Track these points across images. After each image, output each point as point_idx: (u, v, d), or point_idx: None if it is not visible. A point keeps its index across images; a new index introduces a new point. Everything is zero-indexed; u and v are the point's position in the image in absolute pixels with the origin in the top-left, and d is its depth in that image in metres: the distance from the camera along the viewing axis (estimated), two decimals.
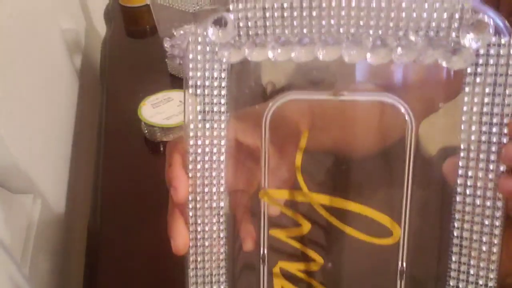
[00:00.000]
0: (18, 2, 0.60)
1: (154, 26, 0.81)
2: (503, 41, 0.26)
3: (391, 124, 0.31)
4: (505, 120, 0.26)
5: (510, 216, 0.28)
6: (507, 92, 0.26)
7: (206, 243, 0.32)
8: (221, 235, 0.32)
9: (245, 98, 0.33)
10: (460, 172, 0.27)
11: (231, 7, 0.30)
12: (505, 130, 0.26)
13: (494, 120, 0.26)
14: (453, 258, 0.28)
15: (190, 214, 0.32)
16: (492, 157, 0.26)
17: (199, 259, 0.32)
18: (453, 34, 0.26)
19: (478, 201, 0.27)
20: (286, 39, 0.28)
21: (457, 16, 0.26)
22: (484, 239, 0.27)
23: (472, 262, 0.27)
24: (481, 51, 0.26)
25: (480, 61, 0.26)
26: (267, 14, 0.28)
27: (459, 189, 0.27)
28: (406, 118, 0.29)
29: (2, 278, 0.42)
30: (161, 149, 0.67)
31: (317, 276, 0.32)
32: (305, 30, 0.28)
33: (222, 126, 0.31)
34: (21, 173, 0.51)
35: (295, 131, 0.33)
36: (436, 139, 0.31)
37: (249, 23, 0.29)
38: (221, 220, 0.32)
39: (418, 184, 0.30)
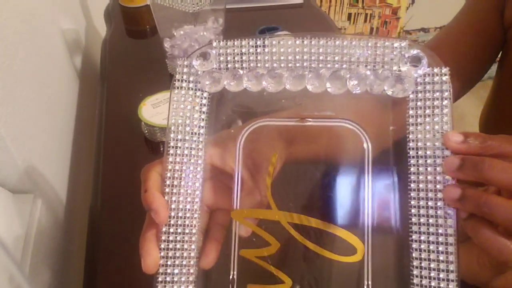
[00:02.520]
0: (18, 2, 0.60)
1: (154, 26, 0.81)
2: (436, 70, 0.32)
3: (351, 145, 0.35)
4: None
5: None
6: (443, 111, 0.31)
7: (177, 262, 0.33)
8: (192, 254, 0.33)
9: (222, 124, 0.36)
10: (411, 185, 0.31)
11: (214, 44, 0.36)
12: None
13: (436, 136, 0.31)
14: (415, 272, 0.30)
15: (164, 230, 0.34)
16: (438, 169, 0.30)
17: (168, 279, 0.33)
18: (395, 68, 0.32)
19: (431, 212, 0.30)
20: (259, 72, 0.34)
21: (397, 53, 0.32)
22: (440, 248, 0.29)
23: (432, 274, 0.29)
24: (419, 80, 0.32)
25: (419, 88, 0.32)
26: (243, 51, 0.35)
27: (412, 202, 0.31)
28: (363, 140, 0.33)
29: (2, 278, 0.42)
30: (161, 149, 0.67)
31: None
32: (274, 64, 0.34)
33: (200, 146, 0.35)
34: (21, 173, 0.51)
35: (267, 154, 0.36)
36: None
37: (228, 58, 0.35)
38: (194, 239, 0.34)
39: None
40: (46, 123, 0.64)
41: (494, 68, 0.68)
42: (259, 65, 0.34)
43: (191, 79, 0.35)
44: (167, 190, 0.35)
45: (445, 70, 0.32)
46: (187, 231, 0.34)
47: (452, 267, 0.29)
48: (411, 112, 0.32)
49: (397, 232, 0.33)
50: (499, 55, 0.67)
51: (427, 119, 0.31)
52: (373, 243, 0.32)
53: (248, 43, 0.35)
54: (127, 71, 0.84)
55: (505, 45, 0.64)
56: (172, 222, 0.34)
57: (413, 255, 0.30)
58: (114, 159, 0.66)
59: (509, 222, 0.28)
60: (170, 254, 0.34)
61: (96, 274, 0.52)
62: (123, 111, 0.73)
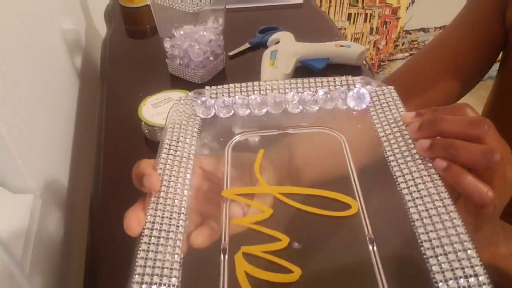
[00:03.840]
0: (19, 2, 0.60)
1: (154, 26, 0.81)
2: (383, 88, 0.42)
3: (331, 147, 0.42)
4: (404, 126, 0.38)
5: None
6: (394, 110, 0.40)
7: (164, 228, 0.33)
8: (180, 227, 0.33)
9: (214, 145, 0.41)
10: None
11: (207, 87, 0.44)
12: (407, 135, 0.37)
13: (399, 124, 0.39)
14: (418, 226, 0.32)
15: (152, 200, 0.34)
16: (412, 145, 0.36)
17: (152, 246, 0.32)
18: (355, 88, 0.42)
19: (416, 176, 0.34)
20: (246, 99, 0.42)
21: (352, 78, 0.43)
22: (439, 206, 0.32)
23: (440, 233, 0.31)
24: (371, 95, 0.42)
25: (371, 101, 0.42)
26: (230, 89, 0.43)
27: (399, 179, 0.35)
28: (339, 138, 0.41)
29: (2, 278, 0.42)
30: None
31: (283, 255, 0.32)
32: (260, 93, 0.43)
33: (192, 151, 0.39)
34: (21, 173, 0.51)
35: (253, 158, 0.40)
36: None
37: (218, 93, 0.43)
38: (183, 211, 0.34)
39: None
40: (46, 123, 0.64)
41: (494, 68, 0.68)
42: (245, 95, 0.43)
43: (186, 108, 0.42)
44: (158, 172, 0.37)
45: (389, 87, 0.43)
46: (176, 202, 0.34)
47: (451, 208, 0.32)
48: (373, 115, 0.41)
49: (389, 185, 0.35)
50: (500, 55, 0.67)
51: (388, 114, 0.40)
52: (367, 196, 0.35)
53: (235, 84, 0.43)
54: (127, 71, 0.84)
55: (506, 45, 0.64)
56: (161, 194, 0.35)
57: (413, 217, 0.32)
58: (114, 159, 0.66)
59: (472, 161, 0.33)
60: (156, 220, 0.33)
61: (96, 274, 0.52)
62: (123, 111, 0.73)
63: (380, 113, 0.41)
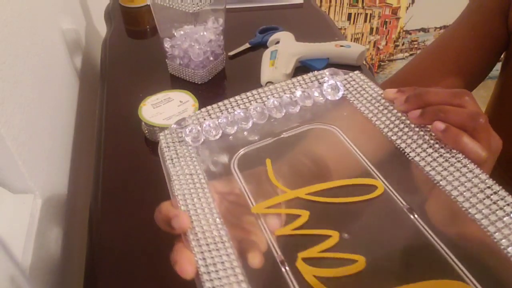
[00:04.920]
0: (18, 2, 0.60)
1: (154, 26, 0.81)
2: (350, 74, 0.45)
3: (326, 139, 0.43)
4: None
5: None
6: (371, 91, 0.43)
7: (219, 266, 0.31)
8: (232, 255, 0.32)
9: (218, 167, 0.41)
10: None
11: (187, 117, 0.43)
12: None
13: (382, 101, 0.42)
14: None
15: (191, 238, 0.33)
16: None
17: (216, 283, 0.31)
18: (328, 82, 0.45)
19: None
20: (231, 116, 0.43)
21: (320, 73, 0.46)
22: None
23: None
24: (343, 83, 0.45)
25: (343, 89, 0.44)
26: (210, 111, 0.43)
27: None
28: (332, 129, 0.43)
29: (2, 278, 0.42)
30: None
31: (340, 249, 0.33)
32: (239, 108, 0.43)
33: (205, 186, 0.37)
34: (21, 173, 0.51)
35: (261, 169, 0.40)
36: None
37: (199, 118, 0.43)
38: (225, 239, 0.33)
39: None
40: (46, 123, 0.64)
41: (494, 68, 0.68)
42: (230, 113, 0.43)
43: (175, 140, 0.42)
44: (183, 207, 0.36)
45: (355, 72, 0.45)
46: (215, 233, 0.33)
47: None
48: (354, 102, 0.43)
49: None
50: (502, 56, 0.67)
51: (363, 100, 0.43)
52: (385, 173, 0.37)
53: (214, 108, 0.44)
54: (127, 71, 0.84)
55: (509, 46, 0.64)
56: (197, 229, 0.33)
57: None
58: (114, 159, 0.66)
59: (461, 123, 0.36)
60: (206, 255, 0.32)
61: (96, 274, 0.52)
62: (123, 111, 0.73)
63: (359, 97, 0.43)
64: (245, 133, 0.43)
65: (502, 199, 0.32)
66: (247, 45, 0.89)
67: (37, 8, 0.70)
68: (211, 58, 0.79)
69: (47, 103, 0.66)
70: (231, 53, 0.87)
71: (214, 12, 0.77)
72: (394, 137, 0.39)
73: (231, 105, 0.44)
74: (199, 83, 0.80)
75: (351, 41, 1.97)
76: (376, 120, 0.41)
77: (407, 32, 2.06)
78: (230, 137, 0.43)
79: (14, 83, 0.53)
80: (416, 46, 2.11)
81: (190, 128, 0.42)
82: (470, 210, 0.32)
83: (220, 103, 0.44)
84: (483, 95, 0.90)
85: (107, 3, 1.08)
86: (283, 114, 0.44)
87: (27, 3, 0.64)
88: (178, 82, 0.80)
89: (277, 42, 0.84)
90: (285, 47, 0.81)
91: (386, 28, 2.01)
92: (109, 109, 0.75)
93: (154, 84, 0.78)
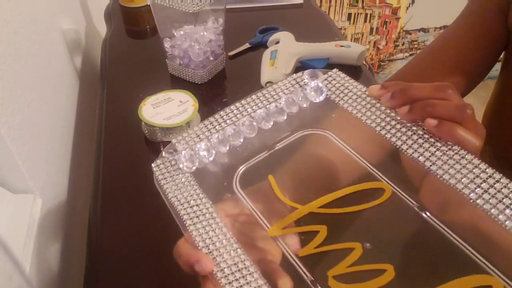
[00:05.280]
0: (19, 2, 0.60)
1: (154, 26, 0.81)
2: (330, 73, 0.45)
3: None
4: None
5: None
6: (354, 89, 0.43)
7: None
8: (263, 286, 0.31)
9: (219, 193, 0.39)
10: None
11: (174, 140, 0.42)
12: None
13: (367, 98, 0.42)
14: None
15: (218, 276, 0.32)
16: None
17: None
18: (309, 84, 0.44)
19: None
20: (221, 134, 0.41)
21: (298, 76, 0.45)
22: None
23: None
24: (324, 83, 0.44)
25: (326, 90, 0.44)
26: (198, 132, 0.42)
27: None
28: (324, 134, 0.42)
29: (2, 278, 0.42)
30: (161, 149, 0.67)
31: (365, 260, 0.33)
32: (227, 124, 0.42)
33: (212, 211, 0.36)
34: (21, 173, 0.51)
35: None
36: None
37: (188, 142, 0.42)
38: (252, 269, 0.32)
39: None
40: (46, 123, 0.64)
41: (493, 68, 0.68)
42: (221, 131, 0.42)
43: (170, 170, 0.40)
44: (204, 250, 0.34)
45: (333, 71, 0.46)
46: (240, 265, 0.33)
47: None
48: (340, 103, 0.43)
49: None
50: (502, 55, 0.67)
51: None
52: (387, 172, 0.38)
53: (202, 129, 0.43)
54: (127, 71, 0.84)
55: (508, 46, 0.64)
56: (222, 266, 0.33)
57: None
58: (114, 159, 0.66)
59: (449, 116, 0.37)
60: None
61: (96, 274, 0.52)
62: (123, 111, 0.73)
63: (343, 96, 0.43)
64: (238, 149, 0.42)
65: (505, 186, 0.33)
66: (247, 45, 0.89)
67: (37, 8, 0.70)
68: (211, 58, 0.79)
69: (47, 103, 0.66)
70: (231, 53, 0.87)
71: (214, 12, 0.77)
72: (387, 135, 0.39)
73: (218, 122, 0.42)
74: (199, 83, 0.80)
75: (351, 41, 1.97)
76: (366, 119, 0.40)
77: (407, 32, 2.05)
78: (225, 156, 0.41)
79: (14, 83, 0.53)
80: (416, 46, 2.11)
81: (183, 154, 0.40)
82: (477, 201, 0.33)
83: (206, 122, 0.42)
84: (482, 95, 0.90)
85: (107, 3, 1.08)
86: (271, 124, 0.43)
87: (27, 3, 0.64)
88: (178, 82, 0.80)
89: (277, 42, 0.84)
90: (285, 47, 0.81)
91: (386, 28, 2.01)
92: (109, 109, 0.75)
93: (154, 84, 0.78)
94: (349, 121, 0.42)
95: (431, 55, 0.70)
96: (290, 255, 0.34)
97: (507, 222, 0.31)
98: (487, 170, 0.34)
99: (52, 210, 0.60)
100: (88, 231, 0.57)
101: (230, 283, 0.32)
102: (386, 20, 1.98)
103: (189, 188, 0.38)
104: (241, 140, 0.42)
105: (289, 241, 0.35)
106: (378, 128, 0.40)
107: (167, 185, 0.39)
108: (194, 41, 0.76)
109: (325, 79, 0.45)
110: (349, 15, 1.93)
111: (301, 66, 0.81)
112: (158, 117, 0.67)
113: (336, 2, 1.88)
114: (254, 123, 0.42)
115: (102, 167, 0.65)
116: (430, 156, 0.36)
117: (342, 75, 0.45)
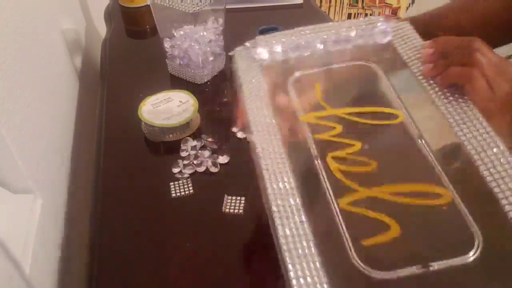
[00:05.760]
0: (19, 2, 0.60)
1: (154, 26, 0.81)
2: (399, 23, 0.51)
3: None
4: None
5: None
6: (414, 40, 0.50)
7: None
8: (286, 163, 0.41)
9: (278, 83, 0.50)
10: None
11: (259, 37, 0.53)
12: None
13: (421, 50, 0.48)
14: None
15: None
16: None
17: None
18: (379, 26, 0.52)
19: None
20: (295, 43, 0.51)
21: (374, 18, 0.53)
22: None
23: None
24: (392, 29, 0.52)
25: (391, 36, 0.52)
26: (280, 36, 0.52)
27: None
28: (372, 66, 0.51)
29: (2, 278, 0.42)
30: (161, 149, 0.67)
31: (360, 154, 0.43)
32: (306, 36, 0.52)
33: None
34: (21, 173, 0.51)
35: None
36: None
37: (268, 42, 0.52)
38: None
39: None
40: (46, 123, 0.64)
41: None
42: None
43: (246, 56, 0.52)
44: None
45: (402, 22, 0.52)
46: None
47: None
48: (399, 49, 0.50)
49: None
50: None
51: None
52: (415, 112, 0.45)
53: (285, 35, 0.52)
54: (127, 71, 0.84)
55: None
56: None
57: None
58: (114, 159, 0.66)
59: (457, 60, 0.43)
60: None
61: (96, 274, 0.52)
62: (123, 111, 0.73)
63: (403, 44, 0.50)
64: (302, 59, 0.51)
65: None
66: None
67: (37, 8, 0.70)
68: (211, 58, 0.79)
69: (47, 103, 0.66)
70: (231, 53, 0.87)
71: (214, 12, 0.77)
72: (426, 85, 0.45)
73: (296, 36, 0.51)
74: (199, 83, 0.80)
75: None
76: (412, 65, 0.47)
77: None
78: (291, 60, 0.51)
79: (14, 83, 0.53)
80: None
81: (263, 50, 0.51)
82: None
83: (286, 32, 0.52)
84: None
85: (107, 3, 1.08)
86: (338, 48, 0.51)
87: (27, 3, 0.64)
88: (178, 82, 0.80)
89: None
90: None
91: None
92: (109, 109, 0.75)
93: (154, 84, 0.78)
94: (398, 64, 0.50)
95: (463, 7, 0.70)
96: (308, 136, 0.45)
97: None
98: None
99: (52, 210, 0.60)
100: (90, 231, 0.57)
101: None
102: None
103: (255, 74, 0.49)
104: (308, 52, 0.51)
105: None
106: (420, 77, 0.46)
107: (240, 63, 0.51)
108: (194, 41, 0.76)
109: (395, 27, 0.52)
110: (349, 15, 1.93)
111: None
112: (158, 117, 0.67)
113: (336, 2, 1.88)
114: (324, 44, 0.51)
115: (102, 167, 0.65)
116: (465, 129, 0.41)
117: (409, 27, 0.52)
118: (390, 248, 0.37)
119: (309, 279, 0.33)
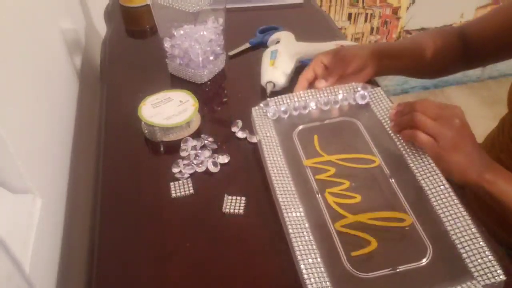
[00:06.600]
0: (19, 2, 0.60)
1: (154, 26, 0.81)
2: (374, 89, 0.70)
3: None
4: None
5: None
6: (385, 103, 0.67)
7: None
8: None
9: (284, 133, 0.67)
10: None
11: (269, 99, 0.69)
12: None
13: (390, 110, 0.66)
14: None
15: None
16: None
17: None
18: (360, 91, 0.70)
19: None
20: (301, 103, 0.69)
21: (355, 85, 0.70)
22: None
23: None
24: (368, 94, 0.69)
25: (368, 98, 0.69)
26: (284, 99, 0.69)
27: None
28: (355, 122, 0.68)
29: (2, 277, 0.42)
30: (161, 149, 0.67)
31: (349, 190, 0.58)
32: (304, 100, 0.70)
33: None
34: (21, 173, 0.51)
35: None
36: None
37: (277, 103, 0.69)
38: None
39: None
40: (46, 123, 0.64)
41: (494, 68, 0.68)
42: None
43: (261, 114, 0.68)
44: None
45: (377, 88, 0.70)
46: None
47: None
48: (373, 108, 0.68)
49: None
50: None
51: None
52: (384, 155, 0.62)
53: (288, 98, 0.69)
54: (127, 71, 0.84)
55: None
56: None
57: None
58: (114, 159, 0.66)
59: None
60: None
61: (96, 274, 0.52)
62: (123, 111, 0.73)
63: (377, 104, 0.68)
64: (300, 116, 0.68)
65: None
66: (247, 45, 0.89)
67: (37, 8, 0.70)
68: (211, 58, 0.79)
69: (47, 103, 0.66)
70: (231, 53, 0.87)
71: (214, 11, 0.77)
72: (394, 137, 0.62)
73: (297, 98, 0.69)
74: (199, 83, 0.80)
75: (351, 41, 1.97)
76: (384, 123, 0.65)
77: (408, 32, 2.05)
78: (293, 118, 0.68)
79: (14, 83, 0.53)
80: None
81: (273, 108, 0.67)
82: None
83: (290, 95, 0.69)
84: (483, 94, 0.90)
85: (107, 3, 1.07)
86: (328, 107, 0.69)
87: (27, 3, 0.64)
88: (178, 82, 0.80)
89: (277, 42, 0.84)
90: (285, 47, 0.81)
91: (386, 28, 2.01)
92: (109, 109, 0.75)
93: (154, 84, 0.78)
94: (373, 120, 0.66)
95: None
96: (312, 180, 0.59)
97: None
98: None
99: (52, 210, 0.59)
100: (90, 231, 0.57)
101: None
102: (387, 20, 1.98)
103: (268, 127, 0.65)
104: (307, 111, 0.69)
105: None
106: (392, 134, 0.63)
107: (257, 119, 0.66)
108: (194, 41, 0.76)
109: (370, 92, 0.69)
110: (350, 14, 1.93)
111: (302, 65, 0.81)
112: (158, 117, 0.67)
113: (336, 2, 1.88)
114: (318, 104, 0.69)
115: (102, 167, 0.64)
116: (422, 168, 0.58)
117: (381, 92, 0.68)
118: (370, 257, 0.51)
119: (316, 278, 0.47)
